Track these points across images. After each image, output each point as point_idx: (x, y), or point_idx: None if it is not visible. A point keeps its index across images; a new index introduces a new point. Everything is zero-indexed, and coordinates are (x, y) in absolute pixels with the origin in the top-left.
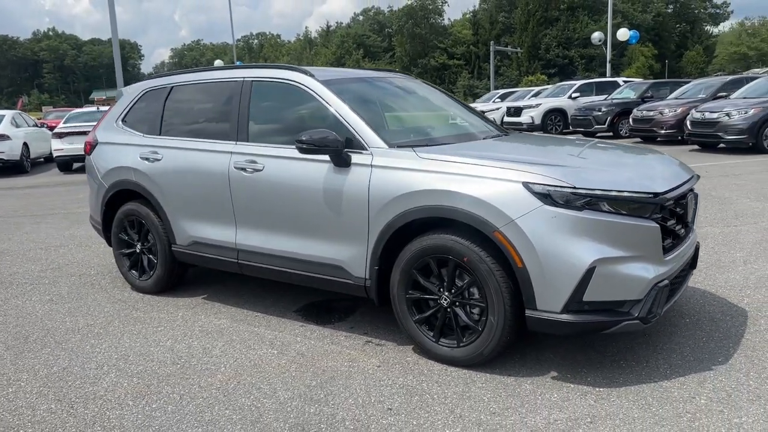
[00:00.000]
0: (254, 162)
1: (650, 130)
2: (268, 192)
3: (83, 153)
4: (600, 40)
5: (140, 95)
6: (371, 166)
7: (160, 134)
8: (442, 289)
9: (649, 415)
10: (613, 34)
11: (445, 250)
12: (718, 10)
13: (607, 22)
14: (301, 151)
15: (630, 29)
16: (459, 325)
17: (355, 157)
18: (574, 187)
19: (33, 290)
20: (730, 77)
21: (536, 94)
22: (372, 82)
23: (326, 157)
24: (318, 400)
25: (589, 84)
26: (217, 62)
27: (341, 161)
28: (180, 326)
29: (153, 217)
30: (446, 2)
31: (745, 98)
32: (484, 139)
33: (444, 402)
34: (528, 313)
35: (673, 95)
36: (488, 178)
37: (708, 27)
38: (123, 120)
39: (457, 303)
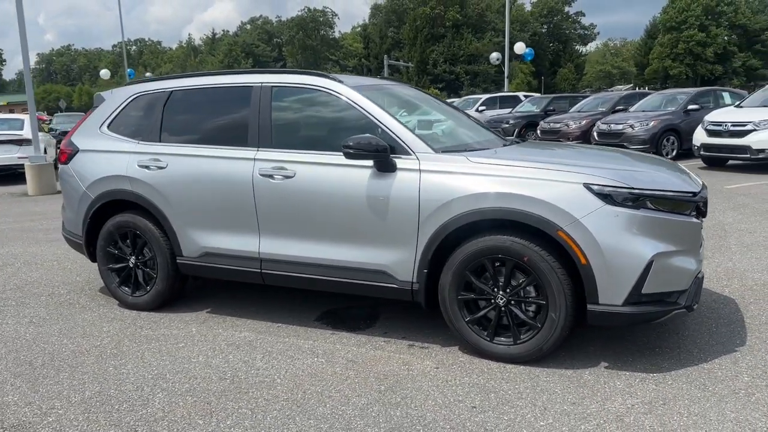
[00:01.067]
0: (283, 168)
1: (557, 141)
2: (302, 199)
3: None
4: (497, 60)
5: (128, 101)
6: (420, 170)
7: (159, 141)
8: (496, 289)
9: (710, 394)
10: (511, 52)
11: (503, 251)
12: (586, 31)
13: (495, 40)
14: (348, 156)
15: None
16: (515, 323)
17: (401, 163)
18: (632, 188)
19: (10, 310)
20: (625, 92)
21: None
22: (388, 90)
23: (367, 163)
24: (398, 404)
25: (493, 98)
26: (103, 72)
27: (387, 166)
28: (202, 341)
29: (153, 229)
30: (337, 15)
31: (644, 111)
32: (510, 144)
33: (521, 397)
34: (590, 307)
35: (574, 108)
36: (548, 180)
37: (578, 46)
38: (108, 126)
39: (513, 302)
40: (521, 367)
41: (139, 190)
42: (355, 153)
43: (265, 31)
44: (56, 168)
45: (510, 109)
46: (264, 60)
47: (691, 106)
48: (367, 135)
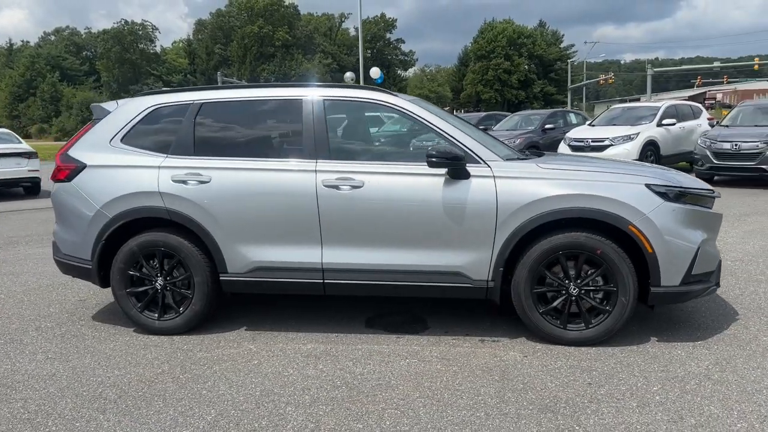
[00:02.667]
0: (349, 179)
1: None
2: (372, 208)
3: None
4: (352, 80)
5: (145, 113)
6: (494, 177)
7: (194, 154)
8: (568, 281)
9: (749, 352)
10: (365, 75)
11: (578, 246)
12: (406, 57)
13: (325, 62)
14: (431, 165)
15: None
16: (584, 309)
17: (473, 170)
18: (679, 187)
19: (8, 348)
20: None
21: None
22: (423, 104)
23: (439, 171)
24: (524, 389)
25: None
26: None
27: (462, 174)
28: (273, 356)
29: (189, 246)
30: (157, 29)
31: (507, 130)
32: (539, 155)
33: (620, 370)
34: (653, 289)
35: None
36: (618, 183)
37: (400, 71)
38: (122, 140)
39: (583, 291)
40: (595, 348)
41: (176, 207)
42: (438, 162)
43: (73, 43)
44: None
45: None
46: (72, 73)
47: (547, 125)
48: (446, 144)
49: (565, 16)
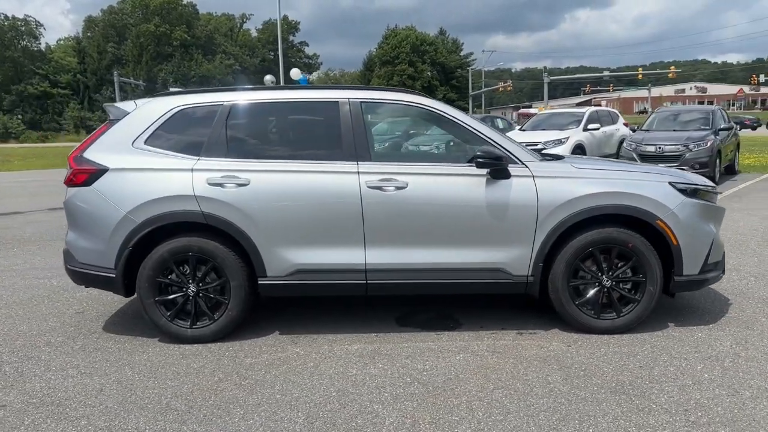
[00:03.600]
0: (392, 180)
1: None
2: (416, 208)
3: None
4: (272, 81)
5: (170, 114)
6: (533, 176)
7: (227, 157)
8: (601, 273)
9: (758, 331)
10: (285, 78)
11: (611, 240)
12: (311, 60)
13: (226, 63)
14: (479, 165)
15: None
16: (615, 300)
17: (513, 170)
18: (695, 184)
19: (30, 366)
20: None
21: None
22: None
23: (479, 171)
24: (589, 374)
25: None
26: None
27: (504, 174)
28: (325, 358)
29: (225, 251)
30: (42, 26)
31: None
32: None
33: (661, 353)
34: (676, 278)
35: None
36: (646, 181)
37: (305, 75)
38: (146, 141)
39: (615, 282)
40: (626, 336)
41: (213, 210)
42: (484, 162)
43: None
44: None
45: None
46: None
47: None
48: (490, 146)
49: (460, 25)
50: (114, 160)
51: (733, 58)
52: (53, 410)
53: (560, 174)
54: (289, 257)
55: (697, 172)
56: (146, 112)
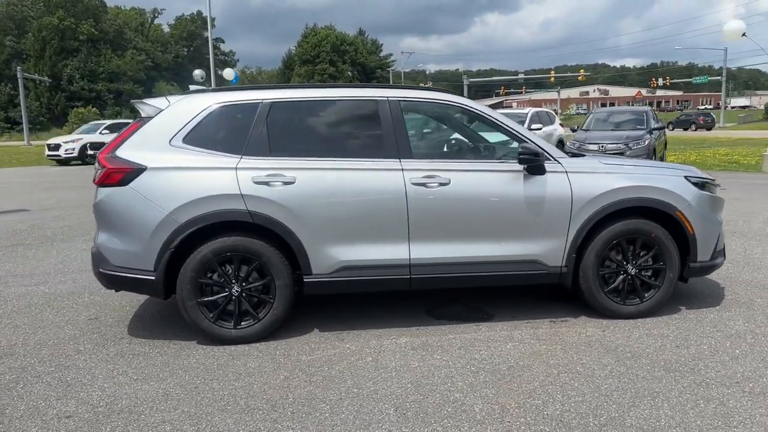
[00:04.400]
0: (436, 177)
1: None
2: (458, 203)
3: None
4: (202, 77)
5: (207, 111)
6: (566, 172)
7: (270, 155)
8: (625, 262)
9: (761, 311)
10: (216, 75)
11: (637, 231)
12: (227, 57)
13: (138, 59)
14: (522, 162)
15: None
16: (639, 286)
17: (547, 166)
18: (704, 178)
19: (72, 375)
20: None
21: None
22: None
23: (516, 167)
24: (640, 355)
25: None
26: None
27: (540, 170)
28: (381, 352)
29: (271, 250)
30: None
31: None
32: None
33: (688, 333)
34: (692, 264)
35: None
36: (665, 176)
37: (220, 72)
38: (184, 140)
39: (639, 270)
40: (649, 319)
41: (259, 209)
42: (527, 158)
43: None
44: None
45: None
46: None
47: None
48: (530, 144)
49: (374, 26)
50: (151, 158)
51: (630, 63)
52: (128, 418)
53: (590, 169)
54: (335, 254)
55: None
56: (182, 109)
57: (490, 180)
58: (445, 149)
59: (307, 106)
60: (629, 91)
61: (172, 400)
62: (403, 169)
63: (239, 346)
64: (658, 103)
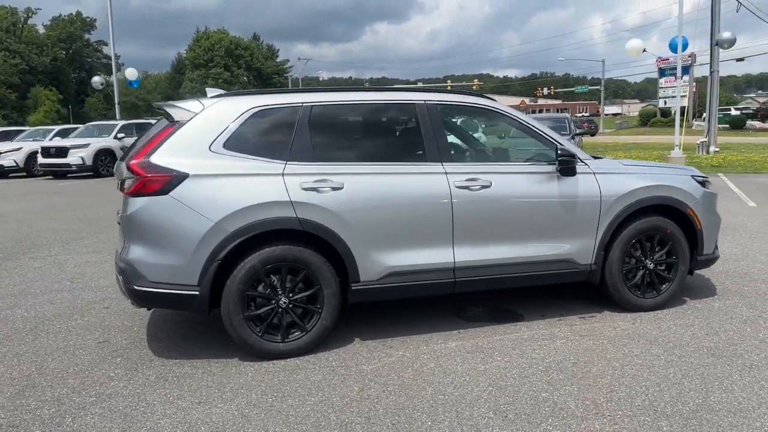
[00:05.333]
0: (478, 179)
1: None
2: (499, 205)
3: None
4: (101, 84)
5: (245, 115)
6: (594, 173)
7: (314, 160)
8: (645, 258)
9: (759, 300)
10: (119, 78)
11: (655, 227)
12: (109, 61)
13: (12, 62)
14: (561, 163)
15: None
16: (654, 280)
17: (577, 167)
18: (705, 177)
19: (120, 404)
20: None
21: (61, 134)
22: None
23: (549, 169)
24: (676, 347)
25: (129, 125)
26: None
27: (572, 171)
28: (441, 357)
29: (320, 258)
30: None
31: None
32: None
33: (710, 322)
34: (699, 257)
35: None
36: (677, 175)
37: (120, 77)
38: (225, 145)
39: (654, 265)
40: (666, 311)
41: (309, 216)
42: (565, 160)
43: None
44: None
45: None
46: None
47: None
48: (566, 145)
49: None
50: (192, 165)
51: (512, 73)
52: None
53: (614, 170)
54: (383, 260)
55: None
56: (218, 113)
57: (527, 182)
58: (478, 152)
59: (348, 109)
60: (515, 100)
61: (256, 422)
62: (446, 173)
63: (289, 360)
64: (540, 111)
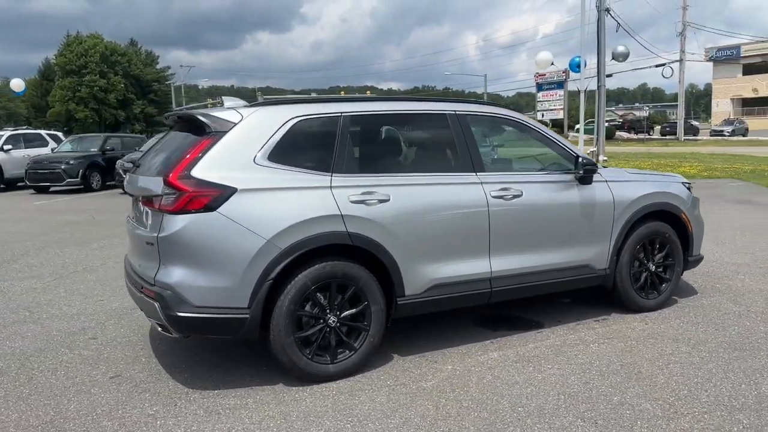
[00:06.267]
0: (510, 189)
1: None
2: (530, 214)
3: None
4: None
5: (287, 125)
6: (606, 181)
7: (359, 172)
8: (647, 260)
9: (742, 293)
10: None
11: (656, 232)
12: None
13: None
14: (586, 172)
15: None
16: (655, 282)
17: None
18: (690, 183)
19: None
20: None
21: None
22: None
23: (569, 178)
24: (699, 344)
25: (16, 136)
26: None
27: (589, 180)
28: (493, 368)
29: (367, 274)
30: None
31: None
32: None
33: (713, 319)
34: (690, 258)
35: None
36: (672, 183)
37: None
38: (269, 157)
39: (655, 267)
40: (666, 310)
41: (358, 230)
42: (590, 169)
43: None
44: None
45: (46, 148)
46: None
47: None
48: (585, 156)
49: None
50: (238, 179)
51: (395, 86)
52: None
53: (623, 178)
54: (427, 273)
55: None
56: (259, 123)
57: (552, 190)
58: (503, 162)
59: (386, 119)
60: None
61: None
62: (482, 183)
63: (340, 381)
64: None
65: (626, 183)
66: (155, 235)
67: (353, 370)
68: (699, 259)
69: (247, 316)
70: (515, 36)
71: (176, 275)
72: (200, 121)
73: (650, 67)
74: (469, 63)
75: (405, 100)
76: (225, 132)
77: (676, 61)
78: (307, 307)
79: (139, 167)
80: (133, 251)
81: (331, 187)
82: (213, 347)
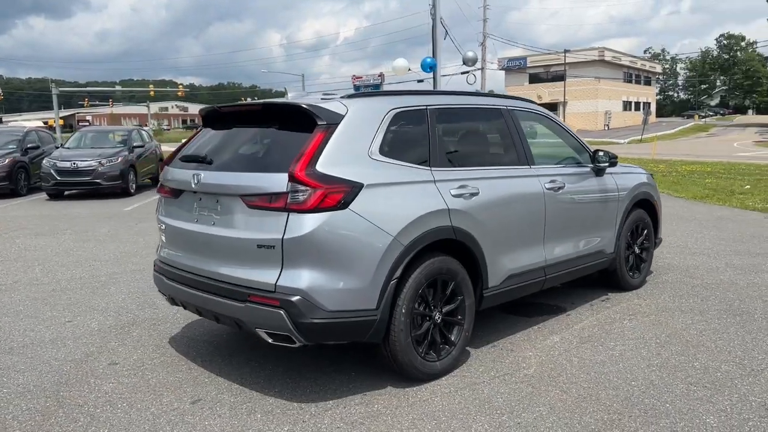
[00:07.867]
0: (556, 181)
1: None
2: (569, 205)
3: None
4: None
5: (389, 119)
6: (611, 173)
7: (450, 165)
8: (633, 243)
9: (718, 281)
10: None
11: (640, 218)
12: None
13: None
14: (611, 165)
15: None
16: (637, 262)
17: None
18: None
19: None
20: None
21: None
22: None
23: (586, 170)
24: (701, 311)
25: None
26: None
27: (603, 172)
28: (556, 358)
29: (463, 268)
30: None
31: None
32: None
33: (692, 292)
34: (656, 240)
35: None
36: (643, 174)
37: None
38: (380, 151)
39: (639, 249)
40: (650, 286)
41: (460, 224)
42: (614, 162)
43: None
44: None
45: None
46: None
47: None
48: (602, 150)
49: None
50: (360, 174)
51: (197, 81)
52: None
53: (620, 171)
54: (505, 264)
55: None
56: (365, 115)
57: (582, 181)
58: (542, 155)
59: (460, 113)
60: (195, 108)
61: None
62: (537, 176)
63: (448, 378)
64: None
65: (622, 174)
66: (278, 237)
67: (452, 366)
68: (660, 241)
69: (376, 317)
70: (319, 39)
71: (307, 279)
72: (309, 112)
73: (456, 74)
74: (274, 63)
75: (465, 95)
76: (336, 125)
77: (479, 69)
78: (420, 305)
79: (204, 161)
80: (202, 256)
81: (434, 181)
82: (245, 345)
